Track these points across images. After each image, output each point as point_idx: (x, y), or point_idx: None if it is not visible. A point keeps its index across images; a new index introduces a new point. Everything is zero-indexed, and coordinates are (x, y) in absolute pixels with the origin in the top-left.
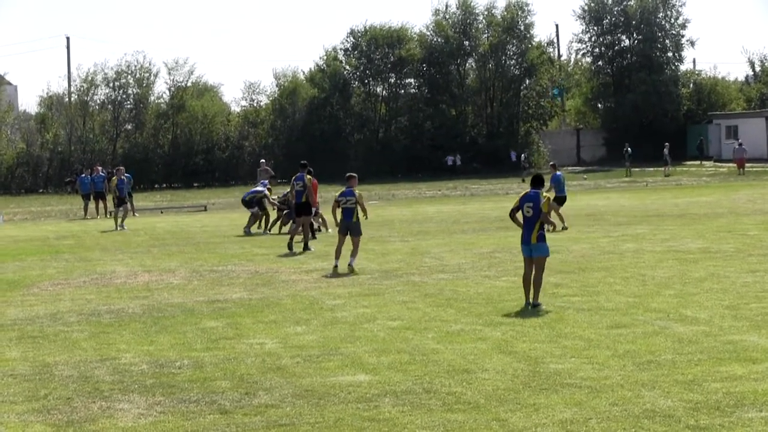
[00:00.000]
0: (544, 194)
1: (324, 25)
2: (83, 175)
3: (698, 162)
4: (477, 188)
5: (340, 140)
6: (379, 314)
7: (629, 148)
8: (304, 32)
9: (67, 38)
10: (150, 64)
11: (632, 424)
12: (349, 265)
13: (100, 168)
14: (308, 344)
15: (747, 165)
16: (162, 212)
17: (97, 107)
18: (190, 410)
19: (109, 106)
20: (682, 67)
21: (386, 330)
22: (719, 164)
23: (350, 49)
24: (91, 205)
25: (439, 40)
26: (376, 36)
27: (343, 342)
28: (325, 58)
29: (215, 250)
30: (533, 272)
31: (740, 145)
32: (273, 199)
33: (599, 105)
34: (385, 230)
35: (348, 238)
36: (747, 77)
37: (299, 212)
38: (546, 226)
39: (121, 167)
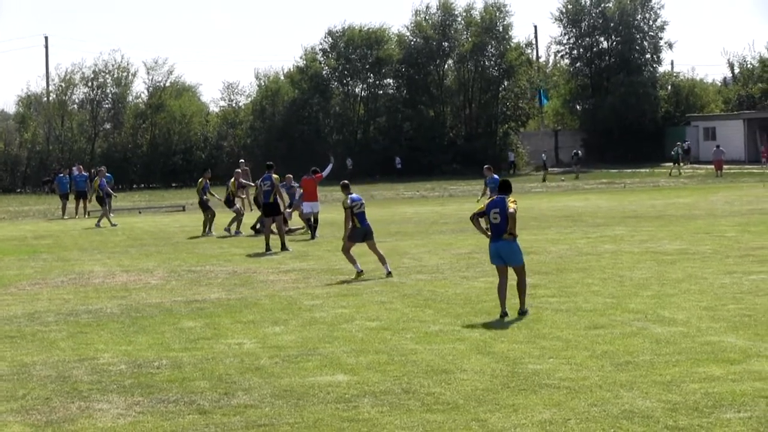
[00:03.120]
0: (511, 199)
1: (303, 24)
2: (61, 175)
3: (682, 164)
4: (455, 189)
5: (319, 141)
6: (357, 315)
7: (579, 152)
8: (283, 32)
9: (46, 38)
10: (128, 64)
11: (611, 425)
12: (388, 273)
13: (81, 167)
14: (287, 344)
15: (724, 167)
16: (140, 212)
17: (75, 107)
18: (169, 410)
19: (88, 106)
20: (661, 69)
21: (365, 330)
22: (697, 166)
23: (328, 49)
24: (70, 204)
25: (418, 40)
26: (354, 36)
27: (321, 342)
28: (304, 58)
29: (193, 250)
30: (516, 280)
31: (718, 147)
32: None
33: (578, 106)
34: None
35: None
36: (725, 79)
37: (268, 212)
38: (511, 231)
39: (102, 168)
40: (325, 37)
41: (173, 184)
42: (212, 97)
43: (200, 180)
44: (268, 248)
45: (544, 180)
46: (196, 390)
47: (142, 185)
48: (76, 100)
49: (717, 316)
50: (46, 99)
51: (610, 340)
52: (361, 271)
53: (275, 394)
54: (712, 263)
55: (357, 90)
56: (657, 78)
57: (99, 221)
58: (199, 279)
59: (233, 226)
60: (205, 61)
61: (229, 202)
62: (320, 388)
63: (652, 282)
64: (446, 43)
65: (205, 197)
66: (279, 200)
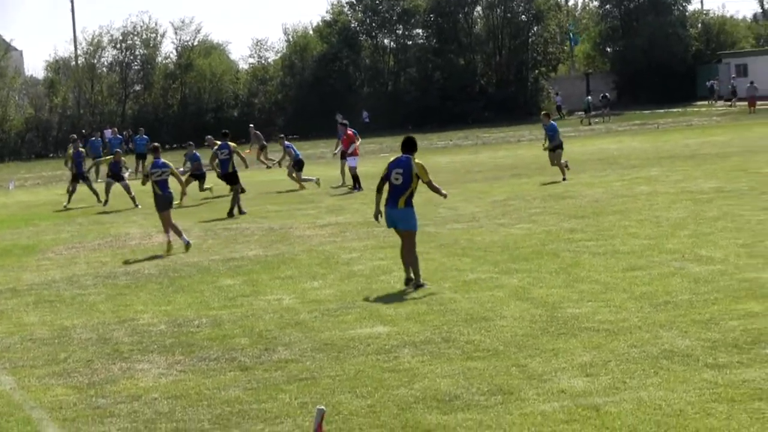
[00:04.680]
0: (416, 160)
1: None
2: (93, 138)
3: (708, 102)
4: (488, 137)
5: (350, 94)
6: (395, 266)
7: (607, 94)
8: None
9: (71, 1)
10: (156, 24)
11: (651, 365)
12: (169, 242)
13: (116, 129)
14: (325, 298)
15: (758, 103)
16: None
17: (104, 69)
18: (211, 368)
19: (117, 68)
20: (690, 8)
21: (402, 282)
22: (729, 103)
23: (355, 2)
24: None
25: None
26: None
27: (359, 295)
28: (331, 12)
29: (229, 208)
30: (404, 248)
31: (751, 83)
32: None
33: (608, 49)
34: None
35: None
36: (755, 15)
37: (229, 181)
38: (439, 192)
39: (73, 135)
40: None
41: (206, 143)
42: (241, 55)
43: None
44: (238, 212)
45: (589, 123)
46: (236, 347)
47: (175, 145)
48: (105, 63)
49: (754, 253)
50: (74, 63)
51: (649, 281)
52: (170, 242)
53: (316, 347)
54: (748, 200)
55: (386, 42)
56: (687, 17)
57: (69, 200)
58: (236, 237)
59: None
60: (233, 18)
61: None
62: (360, 341)
63: (688, 221)
64: None
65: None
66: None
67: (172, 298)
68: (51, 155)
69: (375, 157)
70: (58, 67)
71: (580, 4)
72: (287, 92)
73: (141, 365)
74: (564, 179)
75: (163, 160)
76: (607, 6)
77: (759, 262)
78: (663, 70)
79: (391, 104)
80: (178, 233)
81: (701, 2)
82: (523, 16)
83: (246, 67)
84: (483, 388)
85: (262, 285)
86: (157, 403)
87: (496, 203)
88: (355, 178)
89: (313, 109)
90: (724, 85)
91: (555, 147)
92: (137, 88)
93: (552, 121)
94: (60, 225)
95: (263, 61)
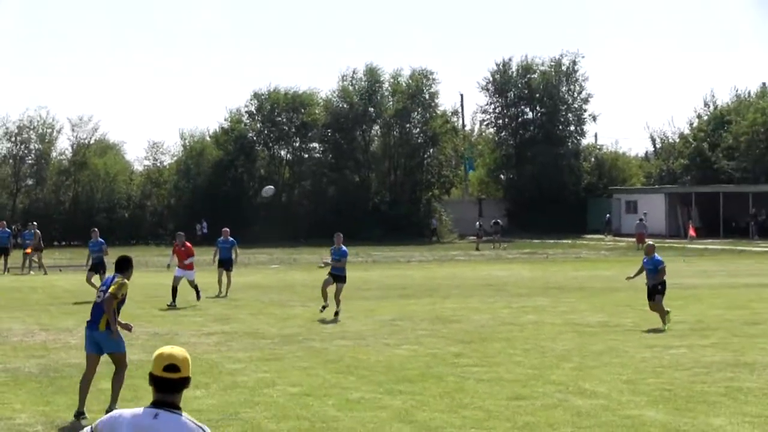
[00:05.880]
0: (119, 278)
1: (229, 86)
2: None
3: (602, 235)
4: (379, 255)
5: (243, 202)
6: (279, 379)
7: (499, 221)
8: (208, 92)
9: None
10: (53, 120)
11: None
12: None
13: (4, 223)
14: (207, 408)
15: (647, 240)
16: (61, 270)
17: None
18: None
19: (10, 161)
20: (584, 141)
21: (286, 396)
22: (618, 239)
23: (254, 111)
24: None
25: (344, 105)
26: (279, 99)
27: (242, 407)
28: (229, 119)
29: None
30: (114, 372)
31: (641, 220)
32: None
33: (502, 176)
34: (286, 294)
35: None
36: (647, 153)
37: None
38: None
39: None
40: (251, 100)
41: None
42: (137, 156)
43: None
44: None
45: (477, 249)
46: None
47: (64, 242)
48: None
49: (637, 390)
50: None
51: (532, 411)
52: None
53: None
54: (633, 336)
55: (282, 153)
56: (580, 150)
57: None
58: None
59: None
60: (131, 119)
61: None
62: None
63: (573, 354)
64: (372, 109)
65: None
66: None
67: (51, 399)
68: None
69: (264, 268)
70: None
71: (476, 130)
72: (180, 196)
73: None
74: (334, 312)
75: None
76: (503, 133)
77: (641, 400)
78: (554, 200)
79: (284, 215)
80: None
81: (595, 137)
82: (419, 138)
83: (140, 168)
84: None
85: (142, 390)
86: None
87: (383, 322)
88: (195, 288)
89: (206, 215)
90: (616, 220)
91: (339, 277)
92: (29, 182)
93: (343, 247)
94: None
95: (158, 164)
